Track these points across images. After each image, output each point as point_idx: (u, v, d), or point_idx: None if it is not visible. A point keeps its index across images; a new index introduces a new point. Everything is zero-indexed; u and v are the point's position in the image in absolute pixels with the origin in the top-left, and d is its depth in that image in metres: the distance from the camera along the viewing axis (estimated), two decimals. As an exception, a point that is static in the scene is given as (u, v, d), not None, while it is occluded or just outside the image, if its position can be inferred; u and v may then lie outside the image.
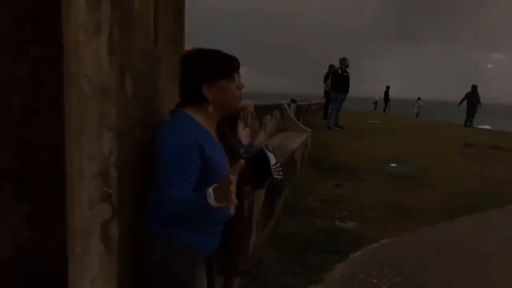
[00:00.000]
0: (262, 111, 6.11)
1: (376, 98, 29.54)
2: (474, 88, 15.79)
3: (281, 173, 2.39)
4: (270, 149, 2.51)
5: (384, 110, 23.16)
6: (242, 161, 1.19)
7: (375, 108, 28.53)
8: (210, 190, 1.20)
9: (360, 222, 4.63)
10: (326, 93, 13.06)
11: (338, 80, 11.05)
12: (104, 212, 1.33)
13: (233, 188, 1.16)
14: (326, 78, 13.24)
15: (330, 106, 11.99)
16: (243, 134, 2.06)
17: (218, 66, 1.42)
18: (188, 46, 2.06)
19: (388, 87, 23.39)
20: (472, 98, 15.75)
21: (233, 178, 1.16)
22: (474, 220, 5.05)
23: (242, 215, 1.71)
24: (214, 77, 1.40)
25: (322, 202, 5.21)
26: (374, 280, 3.22)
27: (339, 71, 11.05)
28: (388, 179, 6.76)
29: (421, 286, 3.20)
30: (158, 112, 1.67)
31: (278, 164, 2.38)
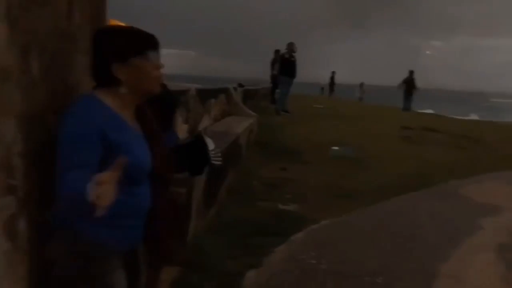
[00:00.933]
0: (207, 95, 6.00)
1: (323, 83, 30.25)
2: (411, 73, 16.62)
3: (220, 158, 2.32)
4: (209, 134, 2.43)
5: (330, 95, 23.77)
6: (123, 158, 1.08)
7: (322, 92, 29.22)
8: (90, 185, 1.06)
9: (303, 204, 4.72)
10: (273, 78, 13.15)
11: (285, 65, 11.15)
12: (9, 206, 1.21)
13: (104, 188, 1.02)
14: (273, 63, 13.30)
15: (277, 91, 12.11)
16: (182, 129, 1.93)
17: (130, 43, 1.29)
18: (113, 21, 1.90)
19: (333, 73, 24.01)
20: (409, 83, 16.55)
21: (108, 177, 1.04)
22: (410, 199, 5.32)
23: (170, 203, 1.63)
24: (125, 55, 1.27)
25: (267, 186, 5.25)
26: (313, 261, 3.29)
27: (286, 56, 11.13)
28: (331, 161, 6.96)
29: (359, 265, 3.31)
30: (75, 96, 1.53)
31: (218, 150, 2.31)
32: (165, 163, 1.40)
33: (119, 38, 1.30)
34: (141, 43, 1.30)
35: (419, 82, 17.00)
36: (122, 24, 1.59)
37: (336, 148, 7.95)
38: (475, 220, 4.61)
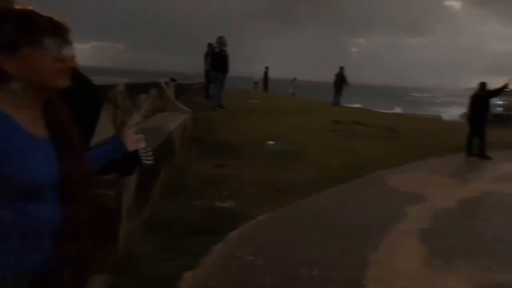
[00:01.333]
0: (137, 90, 5.72)
1: (257, 78, 30.53)
2: (341, 69, 17.33)
3: (152, 157, 2.18)
4: (139, 131, 2.26)
5: (264, 90, 24.05)
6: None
7: (255, 88, 29.47)
8: None
9: (240, 200, 4.68)
10: (207, 72, 12.95)
11: (216, 59, 10.98)
12: None
13: None
14: (206, 57, 13.09)
15: (212, 86, 11.91)
16: (131, 138, 1.65)
17: (20, 28, 1.04)
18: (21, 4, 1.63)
19: (267, 68, 24.32)
20: (339, 79, 17.25)
21: None
22: (342, 190, 5.52)
23: (92, 217, 1.39)
24: (14, 44, 1.03)
25: (203, 183, 5.13)
26: (251, 258, 3.27)
27: (217, 50, 10.97)
28: (267, 156, 7.00)
29: (295, 258, 3.35)
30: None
31: (149, 148, 2.17)
32: (84, 174, 1.17)
33: (6, 22, 1.04)
34: (34, 28, 1.05)
35: (348, 78, 17.79)
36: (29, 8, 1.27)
37: (271, 142, 8.04)
38: (401, 208, 4.91)
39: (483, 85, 9.15)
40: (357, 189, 5.67)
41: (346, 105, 18.94)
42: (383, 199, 5.28)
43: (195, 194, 4.74)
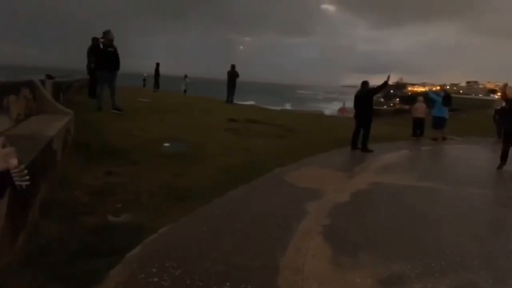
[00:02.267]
0: (4, 89, 4.83)
1: (145, 74, 29.16)
2: (232, 67, 17.44)
3: (27, 177, 1.76)
4: (9, 141, 1.81)
5: (155, 87, 23.06)
6: None
7: (144, 84, 28.15)
8: None
9: (137, 212, 4.25)
10: (90, 69, 11.82)
11: (102, 56, 10.00)
12: None
13: None
14: (89, 53, 11.93)
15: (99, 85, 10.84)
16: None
17: None
18: None
19: (157, 64, 23.33)
20: (231, 76, 17.34)
21: None
22: (243, 192, 5.42)
23: None
24: None
25: (92, 196, 4.55)
26: (155, 279, 2.93)
27: (102, 46, 10.03)
28: (163, 159, 6.59)
29: (204, 273, 3.11)
30: None
31: (22, 166, 1.73)
32: None
33: None
34: None
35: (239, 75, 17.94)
36: None
37: (167, 144, 7.61)
38: (301, 205, 4.99)
39: (365, 83, 9.95)
40: (259, 189, 5.64)
41: (239, 102, 19.17)
42: (285, 197, 5.32)
43: (83, 209, 4.16)
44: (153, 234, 3.74)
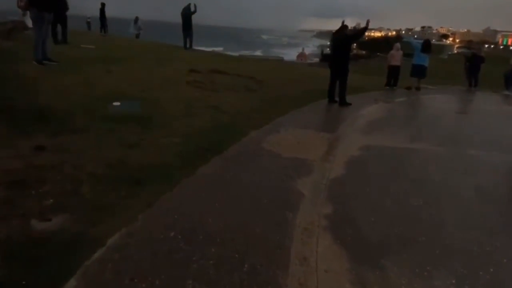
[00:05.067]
0: None
1: (89, 17, 26.13)
2: (191, 6, 15.30)
3: None
4: None
5: (101, 31, 20.57)
6: None
7: (89, 28, 25.29)
8: None
9: (75, 211, 3.06)
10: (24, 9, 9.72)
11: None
12: None
13: None
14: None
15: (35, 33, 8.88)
16: None
17: None
18: None
19: (103, 4, 20.63)
20: (186, 17, 15.26)
21: None
22: (217, 168, 4.32)
23: None
24: None
25: (9, 188, 3.27)
26: None
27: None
28: (112, 124, 5.27)
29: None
30: None
31: None
32: None
33: None
34: None
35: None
36: None
37: (117, 103, 6.24)
38: (291, 184, 4.00)
39: (344, 27, 8.77)
40: (236, 163, 4.55)
41: (200, 48, 17.41)
42: (269, 173, 4.29)
43: (-5, 210, 2.91)
44: (99, 248, 2.61)
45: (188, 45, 15.75)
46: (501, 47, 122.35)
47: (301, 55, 46.30)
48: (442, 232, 3.20)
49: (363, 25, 8.80)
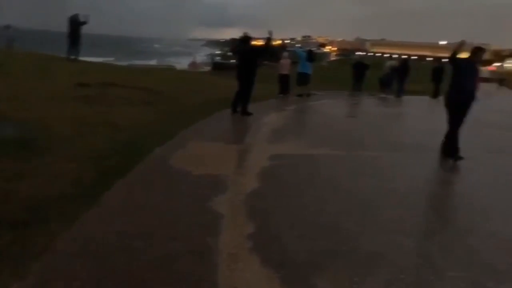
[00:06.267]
0: None
1: None
2: (74, 17, 13.90)
3: None
4: None
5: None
6: None
7: None
8: None
9: None
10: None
11: None
12: None
13: None
14: None
15: None
16: None
17: None
18: None
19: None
20: (74, 25, 13.80)
21: None
22: (121, 194, 3.87)
23: None
24: None
25: None
26: None
27: None
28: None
29: None
30: None
31: None
32: None
33: None
34: None
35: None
36: None
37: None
38: (207, 205, 3.76)
39: (247, 39, 8.78)
40: (143, 187, 4.14)
41: (88, 59, 15.98)
42: (181, 195, 3.98)
43: None
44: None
45: (73, 56, 14.29)
46: (370, 54, 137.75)
47: (193, 64, 46.13)
48: (362, 239, 3.27)
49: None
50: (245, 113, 8.74)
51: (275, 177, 4.76)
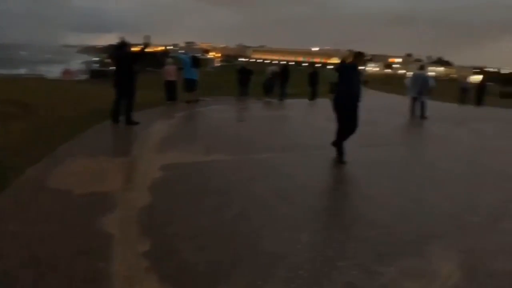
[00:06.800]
0: None
1: None
2: None
3: None
4: None
5: None
6: None
7: None
8: None
9: None
10: None
11: None
12: None
13: None
14: None
15: None
16: None
17: None
18: None
19: None
20: None
21: None
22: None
23: None
24: None
25: None
26: None
27: None
28: None
29: None
30: None
31: None
32: None
33: None
34: None
35: None
36: None
37: None
38: (97, 227, 3.43)
39: (124, 44, 8.30)
40: (15, 214, 3.59)
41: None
42: (65, 220, 3.56)
43: None
44: None
45: None
46: (252, 60, 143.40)
47: (67, 72, 42.49)
48: (261, 241, 3.31)
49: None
50: (130, 122, 8.29)
51: (168, 189, 4.57)
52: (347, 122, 6.07)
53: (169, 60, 13.50)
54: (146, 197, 4.21)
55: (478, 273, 2.97)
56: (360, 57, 6.16)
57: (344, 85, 6.00)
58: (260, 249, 3.18)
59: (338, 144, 6.15)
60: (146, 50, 8.46)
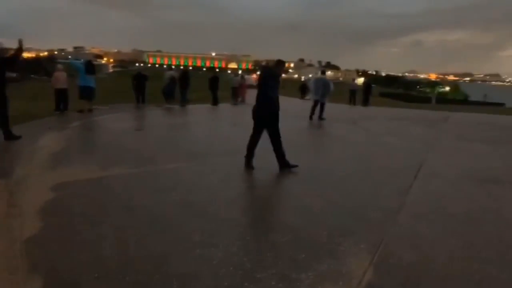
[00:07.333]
0: None
1: None
2: None
3: None
4: None
5: None
6: None
7: None
8: None
9: None
10: None
11: None
12: None
13: None
14: None
15: None
16: None
17: None
18: None
19: None
20: None
21: None
22: None
23: None
24: None
25: None
26: None
27: None
28: None
29: None
30: None
31: None
32: None
33: None
34: None
35: None
36: None
37: None
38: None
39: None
40: None
41: None
42: None
43: None
44: None
45: None
46: (149, 65, 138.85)
47: None
48: (172, 262, 3.06)
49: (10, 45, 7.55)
50: (9, 137, 7.28)
51: (62, 211, 4.03)
52: (268, 130, 6.00)
53: (59, 66, 12.29)
54: (35, 224, 3.65)
55: (390, 267, 3.12)
56: (280, 66, 6.14)
57: (265, 94, 5.90)
58: (172, 270, 2.93)
59: (249, 149, 6.09)
60: (20, 55, 7.51)
